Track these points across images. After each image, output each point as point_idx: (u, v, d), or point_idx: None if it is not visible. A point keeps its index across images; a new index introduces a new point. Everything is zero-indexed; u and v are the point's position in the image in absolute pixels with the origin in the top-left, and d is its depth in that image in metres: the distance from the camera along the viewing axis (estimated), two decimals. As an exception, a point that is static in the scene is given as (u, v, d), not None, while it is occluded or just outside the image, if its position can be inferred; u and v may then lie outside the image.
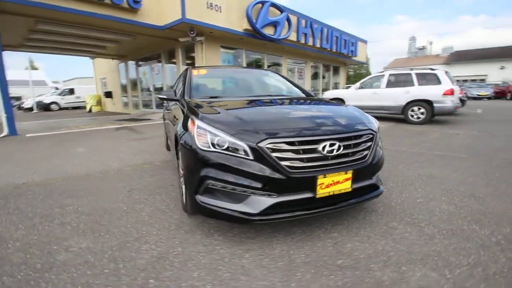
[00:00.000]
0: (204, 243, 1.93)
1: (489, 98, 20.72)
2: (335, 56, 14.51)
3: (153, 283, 1.53)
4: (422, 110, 7.86)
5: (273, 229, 2.07)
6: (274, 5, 9.59)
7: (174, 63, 10.44)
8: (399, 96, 8.20)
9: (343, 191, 1.85)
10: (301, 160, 1.75)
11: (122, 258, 1.76)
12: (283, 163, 1.71)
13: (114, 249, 1.87)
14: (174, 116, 3.03)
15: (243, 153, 1.75)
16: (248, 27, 9.05)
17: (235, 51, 10.34)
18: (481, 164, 3.67)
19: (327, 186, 1.79)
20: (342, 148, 1.84)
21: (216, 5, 8.14)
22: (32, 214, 2.47)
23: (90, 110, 16.75)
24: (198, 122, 1.98)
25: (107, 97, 16.00)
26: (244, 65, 10.62)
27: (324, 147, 1.79)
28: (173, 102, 3.29)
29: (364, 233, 2.01)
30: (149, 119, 10.17)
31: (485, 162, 3.73)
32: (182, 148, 2.06)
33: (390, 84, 8.50)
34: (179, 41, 9.21)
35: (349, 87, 9.93)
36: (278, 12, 9.89)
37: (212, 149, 1.82)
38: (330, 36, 12.99)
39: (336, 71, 17.21)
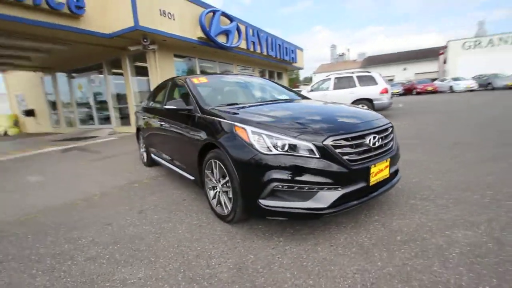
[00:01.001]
0: (271, 246, 1.96)
1: (400, 95, 24.87)
2: (279, 62, 15.44)
3: (258, 290, 1.51)
4: (365, 107, 9.10)
5: (323, 223, 2.22)
6: (224, 14, 9.75)
7: (119, 73, 9.59)
8: (345, 97, 9.24)
9: (384, 177, 2.13)
10: (357, 153, 1.95)
11: (200, 276, 1.67)
12: (345, 157, 1.89)
13: (183, 270, 1.74)
14: (180, 127, 2.90)
15: (308, 152, 1.86)
16: (202, 35, 8.97)
17: (188, 59, 10.09)
18: (435, 146, 4.52)
19: (376, 174, 2.03)
20: (380, 140, 2.12)
21: (169, 12, 7.86)
22: (37, 256, 2.09)
23: (5, 133, 13.88)
24: (251, 128, 2.01)
25: (27, 115, 13.53)
26: (198, 71, 10.44)
27: (369, 140, 2.03)
28: (160, 114, 3.16)
29: (397, 212, 2.32)
30: (95, 137, 9.07)
31: (436, 145, 4.61)
32: (233, 157, 2.03)
33: (336, 86, 9.53)
34: (126, 50, 8.53)
35: (300, 90, 10.73)
36: (228, 21, 10.08)
37: (275, 152, 1.88)
38: (274, 44, 13.80)
39: (279, 76, 18.28)
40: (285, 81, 18.89)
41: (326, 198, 1.87)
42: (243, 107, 2.64)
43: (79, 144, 7.57)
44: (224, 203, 2.32)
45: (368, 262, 1.69)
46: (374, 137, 2.07)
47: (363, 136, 2.04)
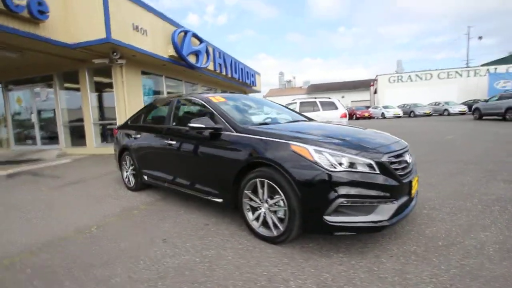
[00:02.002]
0: (336, 262, 2.00)
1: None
2: (241, 85, 15.89)
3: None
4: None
5: (369, 236, 2.34)
6: (195, 35, 9.76)
7: (73, 88, 8.60)
8: (311, 119, 9.95)
9: (416, 190, 2.40)
10: (401, 169, 2.18)
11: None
12: (397, 172, 2.09)
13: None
14: (204, 146, 2.83)
15: (369, 168, 2.00)
16: (174, 53, 8.77)
17: (155, 77, 9.65)
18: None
19: (414, 187, 2.28)
20: (411, 157, 2.41)
21: (142, 28, 7.53)
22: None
23: None
24: (313, 147, 2.07)
25: None
26: (165, 92, 10.03)
27: (407, 157, 2.30)
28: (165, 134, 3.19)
29: (420, 221, 2.60)
30: (39, 160, 7.76)
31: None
32: (295, 175, 2.05)
33: (301, 110, 10.22)
34: (87, 62, 7.77)
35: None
36: (198, 42, 10.10)
37: (340, 169, 1.98)
38: (237, 67, 14.23)
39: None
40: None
41: (386, 211, 2.01)
42: (277, 126, 2.71)
43: (25, 168, 6.36)
44: (273, 223, 2.28)
45: (433, 267, 1.86)
46: (409, 155, 2.36)
47: (402, 154, 2.30)
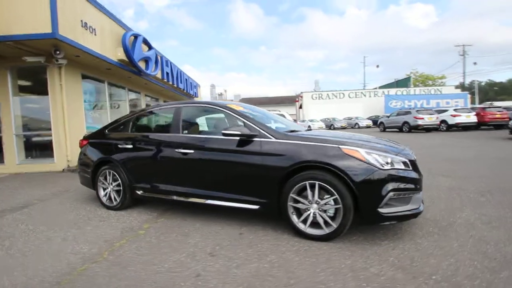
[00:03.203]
0: (391, 247, 2.30)
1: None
2: (184, 96, 15.34)
3: None
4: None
5: (398, 224, 2.76)
6: (145, 40, 9.08)
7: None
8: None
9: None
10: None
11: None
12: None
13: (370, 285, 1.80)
14: (237, 153, 2.82)
15: (405, 166, 2.43)
16: (124, 57, 7.94)
17: (96, 82, 8.46)
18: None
19: (422, 182, 2.85)
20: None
21: (91, 26, 6.61)
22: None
23: None
24: (364, 149, 2.38)
25: None
26: (108, 100, 8.88)
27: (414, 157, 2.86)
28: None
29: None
30: None
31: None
32: (351, 175, 2.30)
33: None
34: (14, 60, 6.30)
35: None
36: (146, 48, 9.42)
37: (387, 167, 2.33)
38: (182, 77, 13.75)
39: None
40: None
41: (417, 200, 2.46)
42: (309, 133, 2.94)
43: None
44: (325, 222, 2.45)
45: (451, 238, 2.37)
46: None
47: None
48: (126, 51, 7.91)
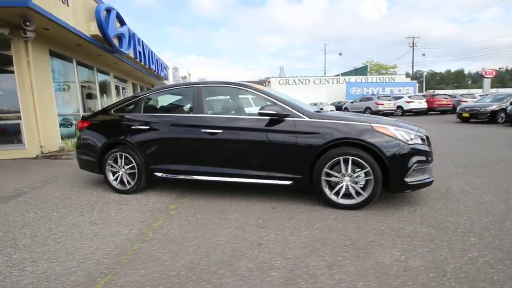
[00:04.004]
0: (416, 216, 2.67)
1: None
2: (154, 78, 14.48)
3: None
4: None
5: (389, 198, 3.16)
6: (118, 15, 8.31)
7: None
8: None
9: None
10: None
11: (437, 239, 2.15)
12: None
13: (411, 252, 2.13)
14: (270, 132, 2.93)
15: (422, 141, 2.79)
16: (98, 33, 7.21)
17: (62, 60, 7.57)
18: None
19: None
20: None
21: (63, -5, 5.87)
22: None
23: None
24: (393, 127, 2.69)
25: None
26: (77, 80, 8.04)
27: None
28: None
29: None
30: None
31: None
32: (383, 149, 2.60)
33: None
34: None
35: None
36: (119, 24, 8.65)
37: (412, 142, 2.67)
38: (153, 58, 12.93)
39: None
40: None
41: (430, 171, 2.87)
42: (336, 113, 3.17)
43: None
44: (356, 192, 2.73)
45: (455, 201, 2.85)
46: None
47: None
48: (100, 25, 7.20)
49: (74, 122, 7.92)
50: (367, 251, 2.00)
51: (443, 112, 19.07)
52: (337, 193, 2.79)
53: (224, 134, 3.08)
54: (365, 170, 2.68)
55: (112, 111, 3.72)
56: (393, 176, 2.65)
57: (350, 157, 2.69)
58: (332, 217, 2.63)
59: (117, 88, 11.41)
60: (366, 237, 2.21)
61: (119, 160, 3.53)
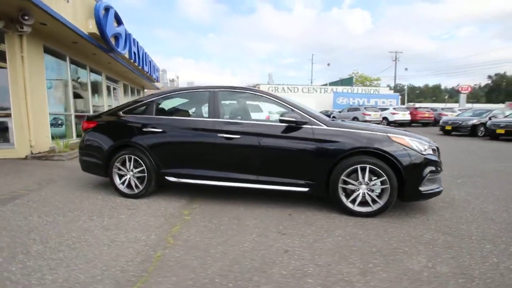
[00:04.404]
0: (430, 224, 2.77)
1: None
2: (147, 79, 14.21)
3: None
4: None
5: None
6: (116, 14, 8.14)
7: None
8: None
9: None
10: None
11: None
12: None
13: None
14: (287, 140, 2.97)
15: (433, 152, 2.92)
16: (96, 31, 7.03)
17: (56, 57, 7.28)
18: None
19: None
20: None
21: (63, -9, 5.69)
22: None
23: None
24: (408, 138, 2.80)
25: None
26: (69, 77, 7.75)
27: None
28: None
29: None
30: None
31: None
32: (400, 158, 2.70)
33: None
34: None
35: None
36: (116, 23, 8.47)
37: (425, 152, 2.79)
38: (146, 59, 12.71)
39: (139, 94, 16.49)
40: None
41: (439, 180, 2.99)
42: (350, 123, 3.25)
43: None
44: (372, 200, 2.80)
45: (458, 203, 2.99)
46: None
47: None
48: (98, 23, 7.02)
49: (64, 121, 7.61)
50: (394, 258, 2.05)
51: (425, 124, 19.95)
52: (353, 201, 2.85)
53: (241, 140, 3.08)
54: (381, 179, 2.76)
55: (121, 113, 3.62)
56: (408, 185, 2.75)
57: (368, 166, 2.77)
58: (350, 224, 2.68)
59: (108, 88, 11.09)
60: (389, 244, 2.27)
61: (127, 163, 3.43)
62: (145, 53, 12.47)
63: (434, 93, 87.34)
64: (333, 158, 2.83)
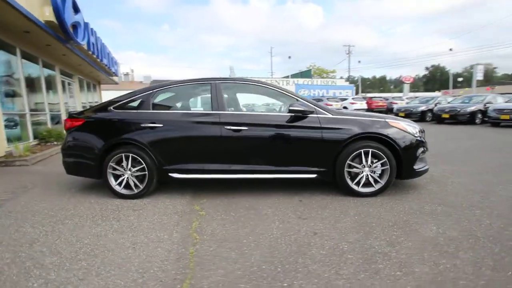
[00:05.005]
0: (427, 201, 3.12)
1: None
2: (105, 73, 13.06)
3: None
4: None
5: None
6: (74, 2, 7.30)
7: None
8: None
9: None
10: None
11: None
12: None
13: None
14: (296, 129, 3.07)
15: (421, 133, 3.26)
16: (53, 19, 6.22)
17: (4, 50, 6.31)
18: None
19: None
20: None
21: (14, -28, 4.92)
22: None
23: None
24: (404, 122, 3.12)
25: None
26: (22, 72, 6.79)
27: None
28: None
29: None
30: None
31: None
32: (399, 141, 2.98)
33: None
34: None
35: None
36: (74, 11, 7.60)
37: (418, 135, 3.12)
38: (105, 51, 11.66)
39: (94, 89, 15.07)
40: (98, 96, 15.87)
41: (426, 159, 3.37)
42: (347, 110, 3.42)
43: None
44: (374, 181, 3.05)
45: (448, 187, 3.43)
46: None
47: None
48: (56, 10, 6.24)
49: (19, 122, 6.71)
50: (410, 229, 2.30)
51: (380, 112, 21.82)
52: (357, 183, 3.08)
53: (249, 131, 3.09)
54: (382, 161, 3.02)
55: (111, 108, 3.35)
56: (405, 165, 3.06)
57: (370, 150, 3.00)
58: (359, 204, 2.90)
59: (63, 83, 9.96)
60: (399, 217, 2.53)
61: (124, 162, 3.21)
62: (103, 44, 11.42)
63: (381, 84, 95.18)
64: (340, 144, 3.01)
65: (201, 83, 3.43)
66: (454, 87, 39.06)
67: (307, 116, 3.09)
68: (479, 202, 2.83)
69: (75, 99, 11.41)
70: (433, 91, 54.52)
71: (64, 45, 7.60)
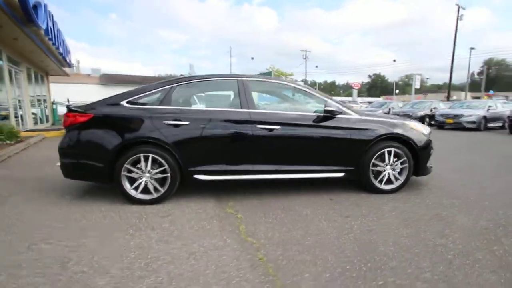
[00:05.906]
0: (430, 200, 3.43)
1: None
2: (57, 63, 11.45)
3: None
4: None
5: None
6: (33, -24, 6.23)
7: None
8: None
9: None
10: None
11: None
12: None
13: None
14: (325, 129, 3.13)
15: (429, 134, 3.60)
16: (13, -3, 5.26)
17: None
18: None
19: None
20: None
21: None
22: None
23: None
24: (421, 125, 3.39)
25: None
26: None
27: None
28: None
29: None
30: None
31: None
32: (417, 142, 3.24)
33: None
34: None
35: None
36: (31, -12, 6.52)
37: (429, 135, 3.44)
38: (60, 38, 10.22)
39: (42, 80, 13.09)
40: (47, 89, 13.86)
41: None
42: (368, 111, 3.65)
43: None
44: (395, 177, 3.26)
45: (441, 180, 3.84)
46: None
47: None
48: (17, -14, 5.28)
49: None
50: (446, 221, 2.53)
51: (339, 114, 23.45)
52: (380, 181, 3.26)
53: (281, 130, 3.04)
54: (402, 159, 3.25)
55: (124, 103, 2.97)
56: (421, 163, 3.34)
57: (393, 149, 3.21)
58: (385, 201, 3.07)
59: (9, 72, 8.46)
60: (430, 211, 2.76)
61: (142, 164, 2.87)
62: (59, 29, 10.02)
63: (331, 88, 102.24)
64: (367, 144, 3.15)
65: (228, 79, 3.26)
66: (393, 93, 44.08)
67: (335, 117, 3.16)
68: (481, 194, 3.24)
69: (22, 92, 9.79)
70: (376, 96, 60.31)
71: (20, 28, 6.48)
